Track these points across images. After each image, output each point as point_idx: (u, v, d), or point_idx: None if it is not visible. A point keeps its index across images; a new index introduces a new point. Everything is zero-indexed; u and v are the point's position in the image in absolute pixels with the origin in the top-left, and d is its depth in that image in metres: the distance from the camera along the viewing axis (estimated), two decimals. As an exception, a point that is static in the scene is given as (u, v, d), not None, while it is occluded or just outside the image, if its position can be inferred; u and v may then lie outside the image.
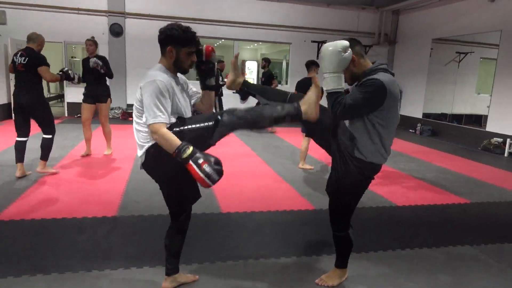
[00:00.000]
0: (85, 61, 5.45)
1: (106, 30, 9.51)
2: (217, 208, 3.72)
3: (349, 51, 2.03)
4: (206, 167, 1.82)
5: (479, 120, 8.98)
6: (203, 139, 1.99)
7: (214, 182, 1.85)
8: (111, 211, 3.53)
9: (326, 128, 2.26)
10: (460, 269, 2.77)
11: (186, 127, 1.98)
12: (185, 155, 1.83)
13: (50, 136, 4.54)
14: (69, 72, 4.77)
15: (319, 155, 6.34)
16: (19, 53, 4.39)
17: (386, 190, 4.57)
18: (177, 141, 1.87)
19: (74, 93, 9.66)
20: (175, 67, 2.07)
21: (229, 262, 2.69)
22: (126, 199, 3.85)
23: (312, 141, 5.69)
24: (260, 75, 9.10)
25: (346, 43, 2.04)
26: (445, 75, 9.99)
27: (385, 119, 2.08)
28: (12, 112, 4.48)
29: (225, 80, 8.03)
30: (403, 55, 10.94)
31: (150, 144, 2.01)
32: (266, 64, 8.61)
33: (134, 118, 2.08)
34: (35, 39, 4.48)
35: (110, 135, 5.85)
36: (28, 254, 2.68)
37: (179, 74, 2.16)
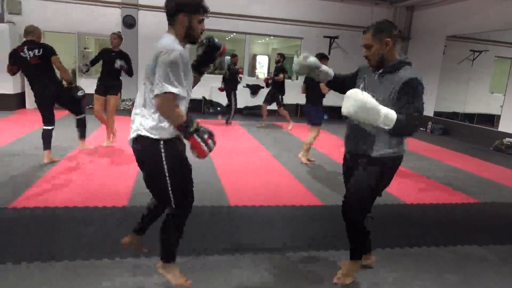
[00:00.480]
0: (107, 53, 5.50)
1: (119, 21, 9.55)
2: (226, 202, 3.75)
3: (363, 94, 1.97)
4: (210, 141, 1.99)
5: (492, 119, 8.86)
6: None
7: (210, 151, 2.02)
8: (122, 201, 3.58)
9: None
10: (468, 269, 2.76)
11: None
12: (192, 128, 1.94)
13: (83, 116, 4.89)
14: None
15: (328, 151, 6.33)
16: (25, 47, 4.35)
17: (395, 188, 4.54)
18: (184, 116, 1.95)
19: (86, 84, 9.75)
20: (186, 36, 2.03)
21: (237, 255, 2.72)
22: (136, 190, 3.89)
23: (320, 137, 5.69)
24: (272, 70, 9.11)
25: (354, 92, 1.98)
26: (458, 73, 9.86)
27: None
28: (37, 104, 4.54)
29: (241, 76, 7.94)
30: (416, 52, 10.80)
31: (162, 137, 2.01)
32: (281, 59, 8.63)
33: (144, 96, 2.02)
34: (34, 31, 4.50)
35: (113, 127, 5.82)
36: (40, 241, 2.75)
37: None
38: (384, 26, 2.17)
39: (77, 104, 4.75)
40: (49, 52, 4.41)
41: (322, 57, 5.36)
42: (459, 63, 9.75)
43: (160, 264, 2.27)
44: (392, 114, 2.00)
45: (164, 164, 2.03)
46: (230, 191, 4.06)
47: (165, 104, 1.91)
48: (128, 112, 9.38)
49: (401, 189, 4.50)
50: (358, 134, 2.25)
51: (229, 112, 8.49)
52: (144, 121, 2.02)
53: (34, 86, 4.46)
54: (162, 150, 2.02)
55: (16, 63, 4.42)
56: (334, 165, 5.42)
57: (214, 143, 2.01)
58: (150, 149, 2.04)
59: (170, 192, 2.10)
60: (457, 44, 9.75)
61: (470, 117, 9.51)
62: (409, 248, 3.00)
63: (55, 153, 4.83)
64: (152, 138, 2.01)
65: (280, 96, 8.48)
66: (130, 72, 5.49)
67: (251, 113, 10.34)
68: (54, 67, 4.50)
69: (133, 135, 2.09)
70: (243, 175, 4.69)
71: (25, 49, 4.35)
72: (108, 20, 9.41)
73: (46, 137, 4.56)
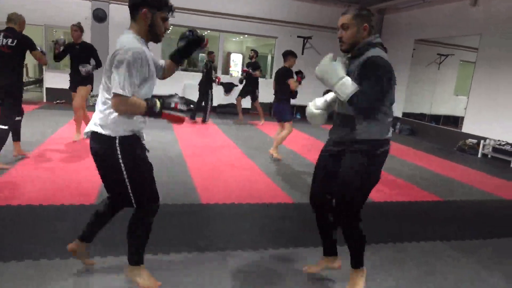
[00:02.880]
0: (70, 48, 5.33)
1: (89, 15, 9.29)
2: (197, 199, 3.74)
3: (337, 58, 2.07)
4: (179, 105, 1.96)
5: (456, 121, 9.23)
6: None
7: (185, 113, 2.01)
8: (90, 199, 3.50)
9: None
10: (431, 262, 2.88)
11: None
12: (157, 108, 1.92)
13: (6, 127, 4.14)
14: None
15: (300, 150, 6.41)
16: (1, 34, 4.20)
17: (363, 186, 4.67)
18: (143, 102, 1.91)
19: (54, 78, 9.45)
20: (149, 33, 1.98)
21: (207, 253, 2.72)
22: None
23: (292, 133, 5.76)
24: (245, 66, 9.17)
25: (331, 55, 2.11)
26: (425, 75, 10.22)
27: (387, 95, 2.07)
28: None
29: (217, 75, 7.90)
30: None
31: (118, 135, 1.96)
32: (254, 55, 8.80)
33: (102, 92, 1.98)
34: (16, 19, 4.33)
35: (81, 121, 5.66)
36: (3, 241, 2.64)
37: None
38: (365, 12, 2.13)
39: (13, 112, 4.26)
40: (25, 46, 4.26)
41: (289, 54, 5.45)
42: (427, 66, 10.11)
43: (129, 268, 2.22)
44: (349, 85, 2.00)
45: (121, 162, 1.97)
46: (202, 189, 4.05)
47: (120, 105, 1.87)
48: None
49: (369, 188, 4.62)
50: (344, 121, 2.19)
51: (205, 110, 8.42)
52: (99, 118, 1.98)
53: None
54: (118, 148, 1.96)
55: None
56: (304, 163, 5.50)
57: (185, 103, 1.99)
58: (105, 148, 1.97)
59: (130, 191, 2.03)
60: (425, 48, 10.11)
61: (436, 118, 9.87)
62: (375, 244, 3.09)
63: (26, 146, 4.64)
64: (106, 135, 1.95)
65: (256, 91, 8.59)
66: (98, 64, 5.36)
67: (225, 111, 10.32)
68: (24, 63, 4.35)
69: (87, 129, 2.04)
70: (215, 173, 4.69)
71: (1, 35, 4.19)
72: (78, 13, 9.13)
73: (15, 129, 4.38)
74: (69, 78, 5.51)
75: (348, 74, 2.10)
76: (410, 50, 10.13)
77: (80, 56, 5.29)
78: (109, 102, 1.92)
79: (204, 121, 8.43)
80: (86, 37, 8.98)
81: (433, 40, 9.74)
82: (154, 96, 1.99)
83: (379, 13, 11.15)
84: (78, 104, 5.48)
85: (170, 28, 2.09)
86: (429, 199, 4.49)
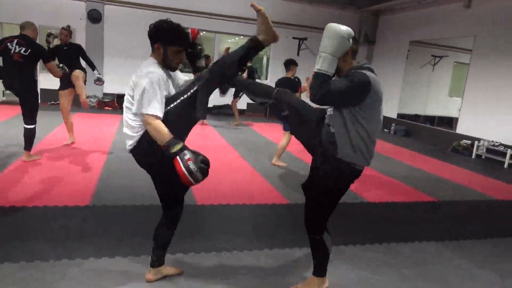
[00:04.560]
0: (58, 50, 5.28)
1: (84, 15, 9.25)
2: (192, 200, 3.73)
3: (351, 41, 1.98)
4: (190, 164, 1.85)
5: (451, 122, 9.29)
6: (188, 113, 2.03)
7: (197, 180, 1.88)
8: (84, 200, 3.48)
9: (309, 125, 2.21)
10: (425, 263, 2.89)
11: (169, 107, 2.01)
12: (173, 150, 1.86)
13: (31, 126, 4.43)
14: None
15: (296, 151, 6.42)
16: (15, 40, 4.19)
17: (359, 187, 4.68)
18: (168, 135, 1.90)
19: (48, 79, 9.37)
20: (164, 64, 2.09)
21: (203, 253, 2.72)
22: (100, 189, 3.80)
23: (292, 140, 5.75)
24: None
25: (352, 32, 1.97)
26: (420, 77, 10.28)
27: (366, 118, 2.01)
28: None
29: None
30: (381, 55, 11.15)
31: (142, 132, 2.02)
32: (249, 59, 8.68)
33: (126, 111, 2.07)
34: (30, 26, 4.36)
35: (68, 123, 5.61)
36: (-5, 241, 2.63)
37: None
38: None
39: (32, 111, 4.42)
40: (39, 56, 4.28)
41: (291, 63, 5.35)
42: (422, 67, 10.16)
43: (152, 272, 2.30)
44: (328, 67, 1.94)
45: (155, 158, 2.04)
46: (197, 189, 4.03)
47: (146, 123, 1.94)
48: (92, 109, 9.11)
49: (363, 188, 4.64)
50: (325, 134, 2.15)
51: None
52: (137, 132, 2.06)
53: (4, 79, 4.32)
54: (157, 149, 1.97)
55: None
56: (300, 164, 5.51)
57: (200, 168, 1.87)
58: (147, 151, 2.06)
59: (159, 190, 2.18)
60: (420, 49, 10.17)
61: (430, 119, 9.93)
62: (369, 245, 3.10)
63: (15, 151, 4.62)
64: (148, 140, 2.01)
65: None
66: (90, 63, 5.33)
67: (220, 112, 10.31)
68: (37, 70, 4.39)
69: (129, 147, 2.13)
70: (210, 174, 4.65)
71: (14, 42, 4.18)
72: (72, 13, 9.09)
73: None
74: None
75: None
76: (405, 51, 10.19)
77: (69, 57, 5.22)
78: (134, 125, 2.03)
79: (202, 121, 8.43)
80: (81, 38, 9.02)
81: (427, 42, 9.80)
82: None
83: (374, 15, 11.20)
84: (63, 106, 5.44)
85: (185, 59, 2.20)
86: (423, 199, 4.52)
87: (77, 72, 4.95)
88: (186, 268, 2.50)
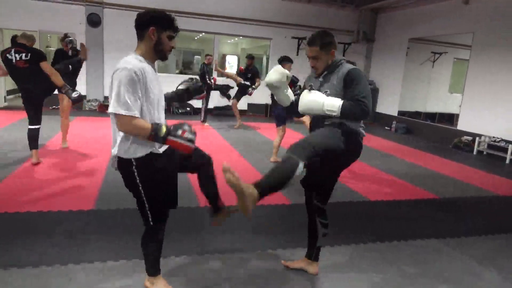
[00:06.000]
0: (61, 52, 5.35)
1: (83, 19, 9.29)
2: (195, 202, 3.76)
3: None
4: (187, 134, 1.92)
5: (451, 118, 9.30)
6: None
7: (194, 143, 1.97)
8: (88, 204, 3.51)
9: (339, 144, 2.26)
10: (426, 261, 2.91)
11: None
12: (162, 134, 1.88)
13: (36, 127, 4.55)
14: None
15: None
16: (13, 50, 4.28)
17: (361, 185, 4.71)
18: (148, 125, 1.89)
19: (49, 84, 9.42)
20: (155, 51, 2.00)
21: (206, 255, 2.75)
22: (103, 193, 3.83)
23: (286, 135, 5.77)
24: (243, 73, 8.89)
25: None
26: (420, 74, 10.28)
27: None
28: (23, 103, 4.54)
29: (212, 79, 7.71)
30: (381, 53, 11.16)
31: (128, 156, 1.98)
32: (251, 61, 8.64)
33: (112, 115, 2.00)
34: (30, 37, 4.48)
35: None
36: (2, 248, 2.66)
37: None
38: (329, 39, 2.31)
39: (33, 113, 4.51)
40: (37, 57, 4.33)
41: (284, 60, 5.39)
42: (421, 64, 10.17)
43: (147, 278, 2.28)
44: (334, 101, 2.19)
45: (139, 185, 2.03)
46: (199, 191, 4.05)
47: (123, 124, 1.87)
48: (93, 113, 9.14)
49: (366, 187, 4.66)
50: (319, 125, 2.34)
51: (204, 111, 8.42)
52: (117, 141, 2.00)
53: (21, 88, 4.42)
54: (135, 171, 1.99)
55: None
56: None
57: (192, 132, 1.95)
58: (124, 171, 2.04)
59: (148, 210, 2.10)
60: (419, 46, 10.17)
61: (431, 116, 9.93)
62: (372, 244, 3.13)
63: (19, 156, 4.66)
64: (124, 159, 1.99)
65: (248, 90, 8.50)
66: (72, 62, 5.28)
67: (221, 113, 10.34)
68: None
69: (112, 154, 2.08)
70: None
71: (12, 52, 4.28)
72: (72, 18, 9.13)
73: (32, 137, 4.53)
74: None
75: (321, 86, 2.35)
76: (404, 48, 10.19)
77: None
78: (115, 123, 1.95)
79: (203, 121, 8.44)
80: (81, 41, 9.02)
81: (427, 39, 9.80)
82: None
83: (373, 13, 11.21)
84: (64, 107, 5.51)
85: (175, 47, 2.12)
86: (424, 196, 4.53)
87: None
88: (189, 270, 2.53)
